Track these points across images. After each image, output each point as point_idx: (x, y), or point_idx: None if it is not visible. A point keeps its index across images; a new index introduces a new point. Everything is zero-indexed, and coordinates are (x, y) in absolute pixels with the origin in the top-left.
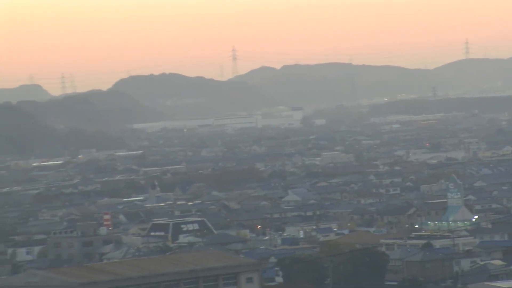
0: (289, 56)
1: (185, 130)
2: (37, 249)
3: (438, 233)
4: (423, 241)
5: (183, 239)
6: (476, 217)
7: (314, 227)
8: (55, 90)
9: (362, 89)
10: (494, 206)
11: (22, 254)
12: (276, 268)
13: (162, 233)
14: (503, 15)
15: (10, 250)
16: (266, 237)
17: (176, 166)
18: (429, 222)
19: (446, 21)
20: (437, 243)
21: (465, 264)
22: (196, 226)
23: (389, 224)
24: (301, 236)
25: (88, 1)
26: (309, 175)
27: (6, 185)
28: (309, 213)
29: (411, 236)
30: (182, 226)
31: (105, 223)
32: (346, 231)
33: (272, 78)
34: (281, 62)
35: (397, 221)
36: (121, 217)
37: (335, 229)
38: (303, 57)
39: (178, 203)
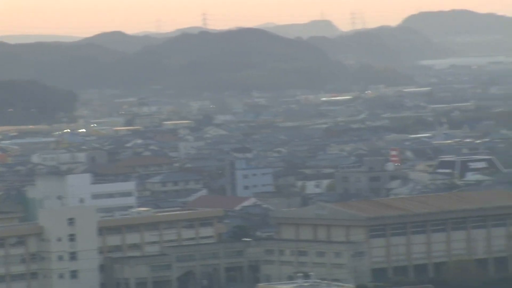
0: None
1: (474, 67)
2: (325, 182)
3: None
4: None
5: (470, 177)
6: None
7: None
8: (345, 26)
9: None
10: None
11: (311, 187)
12: None
13: (449, 171)
14: None
15: (300, 183)
16: None
17: (465, 104)
18: None
19: None
20: None
21: None
22: (484, 164)
23: None
24: None
25: None
26: None
27: (296, 119)
28: None
29: None
30: (470, 163)
31: (392, 159)
32: None
33: None
34: None
35: None
36: (408, 153)
37: None
38: None
39: (466, 140)
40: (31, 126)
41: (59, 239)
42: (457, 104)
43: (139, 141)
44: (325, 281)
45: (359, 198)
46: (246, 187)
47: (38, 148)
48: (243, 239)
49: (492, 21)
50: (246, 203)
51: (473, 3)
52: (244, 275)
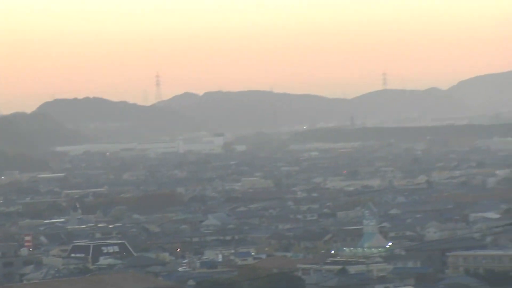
0: (212, 83)
1: (107, 153)
2: None
3: (353, 259)
4: (339, 267)
5: (103, 261)
6: (390, 243)
7: (233, 251)
8: None
9: (282, 116)
10: (408, 233)
11: None
12: None
13: (83, 255)
14: (419, 48)
15: None
16: (185, 260)
17: (98, 189)
18: (344, 248)
19: (364, 53)
20: (352, 269)
21: None
22: (116, 249)
23: (306, 249)
24: (220, 259)
25: (11, 24)
26: (229, 200)
27: None
28: (228, 237)
29: (327, 261)
30: (103, 248)
31: (26, 244)
32: (263, 256)
33: (195, 104)
34: (203, 88)
35: (313, 246)
36: (42, 239)
37: (253, 253)
38: (226, 84)
39: (99, 225)
40: None
41: None
42: (91, 190)
43: None
44: None
45: None
46: None
47: None
48: None
49: (124, 108)
50: None
51: (106, 92)
52: None
